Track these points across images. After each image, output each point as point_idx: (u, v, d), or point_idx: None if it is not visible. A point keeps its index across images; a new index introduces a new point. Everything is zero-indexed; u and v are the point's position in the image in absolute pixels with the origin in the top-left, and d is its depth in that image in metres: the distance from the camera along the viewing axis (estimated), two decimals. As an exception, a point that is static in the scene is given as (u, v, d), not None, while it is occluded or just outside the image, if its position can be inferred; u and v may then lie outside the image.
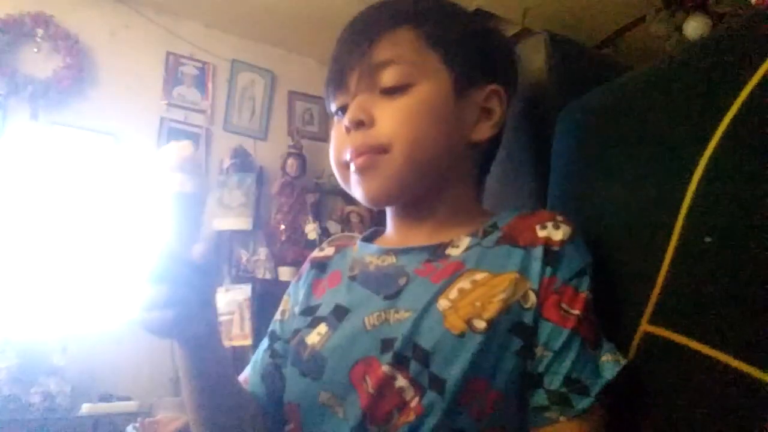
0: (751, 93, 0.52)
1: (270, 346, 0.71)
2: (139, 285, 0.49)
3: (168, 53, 2.95)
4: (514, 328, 0.55)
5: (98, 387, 2.39)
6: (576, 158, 0.73)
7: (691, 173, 0.55)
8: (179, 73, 2.97)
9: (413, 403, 0.53)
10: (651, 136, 0.63)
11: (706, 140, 0.55)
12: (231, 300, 2.65)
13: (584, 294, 0.57)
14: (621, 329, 0.59)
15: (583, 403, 0.53)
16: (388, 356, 0.55)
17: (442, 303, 0.56)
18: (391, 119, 0.61)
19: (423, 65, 0.62)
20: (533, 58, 0.81)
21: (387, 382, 0.54)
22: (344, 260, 0.70)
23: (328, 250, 0.74)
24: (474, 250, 0.61)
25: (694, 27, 2.47)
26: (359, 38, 0.63)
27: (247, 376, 0.71)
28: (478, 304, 0.55)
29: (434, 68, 0.63)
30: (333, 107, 0.68)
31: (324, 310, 0.64)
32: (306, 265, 0.75)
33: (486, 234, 0.62)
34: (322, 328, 0.62)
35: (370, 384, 0.55)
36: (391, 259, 0.65)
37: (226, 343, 2.51)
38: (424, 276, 0.60)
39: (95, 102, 2.71)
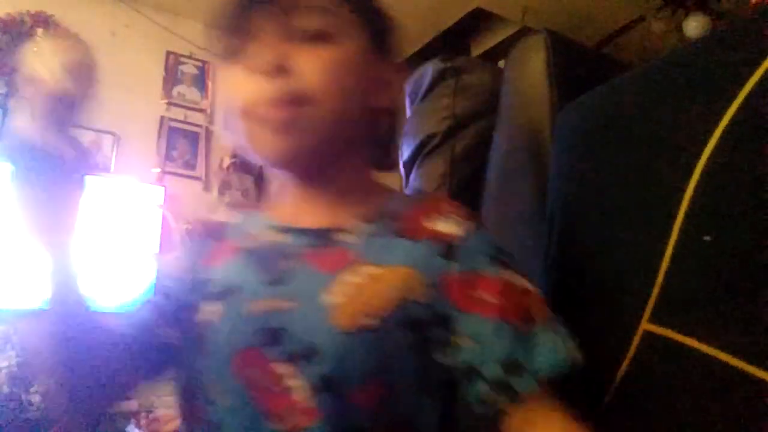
0: (751, 92, 0.52)
1: (163, 293, 0.66)
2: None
3: (168, 52, 2.95)
4: (408, 324, 0.54)
5: (98, 386, 2.39)
6: (575, 158, 0.73)
7: (691, 172, 0.55)
8: (179, 72, 2.97)
9: (307, 404, 0.51)
10: (650, 136, 0.63)
11: (706, 139, 0.55)
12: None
13: (499, 279, 0.54)
14: (621, 328, 0.59)
15: (525, 385, 0.50)
16: (277, 352, 0.53)
17: (331, 298, 0.54)
18: (315, 68, 0.57)
19: (343, 21, 0.59)
20: (533, 57, 0.81)
21: (277, 381, 0.53)
22: (237, 229, 0.67)
23: (222, 215, 0.70)
24: (367, 240, 0.58)
25: (694, 26, 2.47)
26: None
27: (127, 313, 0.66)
28: (368, 300, 0.54)
29: (353, 28, 0.60)
30: (231, 48, 0.61)
31: (215, 286, 0.61)
32: (200, 228, 0.70)
33: (380, 219, 0.60)
34: (212, 306, 0.59)
35: (257, 378, 0.54)
36: (279, 237, 0.61)
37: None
38: (311, 263, 0.57)
39: (95, 101, 2.70)
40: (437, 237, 0.56)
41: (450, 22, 2.85)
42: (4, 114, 2.51)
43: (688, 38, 2.49)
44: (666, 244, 0.56)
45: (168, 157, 2.84)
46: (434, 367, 0.55)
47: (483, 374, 0.52)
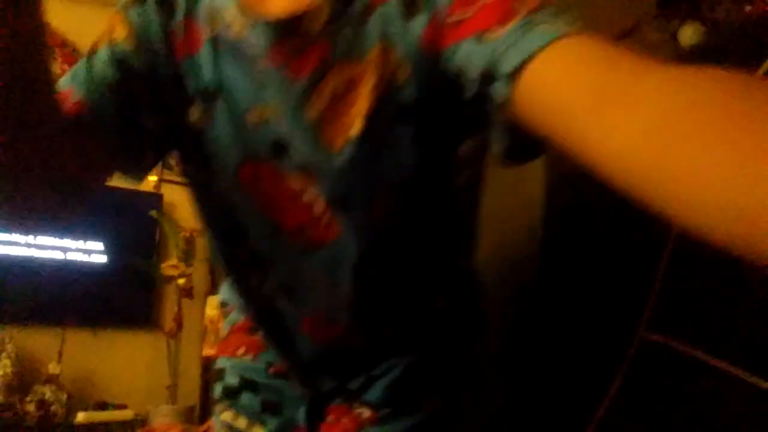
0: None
1: (120, 67, 0.52)
2: None
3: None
4: (396, 117, 0.48)
5: (94, 395, 2.37)
6: (572, 162, 0.73)
7: (687, 180, 0.56)
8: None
9: (328, 218, 0.51)
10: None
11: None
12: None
13: None
14: (619, 337, 0.59)
15: (500, 91, 0.41)
16: (289, 165, 0.51)
17: (310, 113, 0.49)
18: None
19: None
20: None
21: (295, 196, 0.51)
22: (198, 3, 0.53)
23: None
24: (340, 26, 0.48)
25: (689, 34, 2.49)
26: None
27: (77, 91, 0.53)
28: (348, 109, 0.48)
29: None
30: None
31: (196, 82, 0.52)
32: None
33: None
34: (199, 108, 0.52)
35: (270, 193, 0.52)
36: (246, 30, 0.50)
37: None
38: (278, 65, 0.49)
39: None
40: None
41: (447, 30, 2.86)
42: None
43: (683, 47, 2.51)
44: (662, 251, 0.57)
45: (166, 165, 2.83)
46: (442, 133, 0.51)
47: (467, 92, 0.44)
